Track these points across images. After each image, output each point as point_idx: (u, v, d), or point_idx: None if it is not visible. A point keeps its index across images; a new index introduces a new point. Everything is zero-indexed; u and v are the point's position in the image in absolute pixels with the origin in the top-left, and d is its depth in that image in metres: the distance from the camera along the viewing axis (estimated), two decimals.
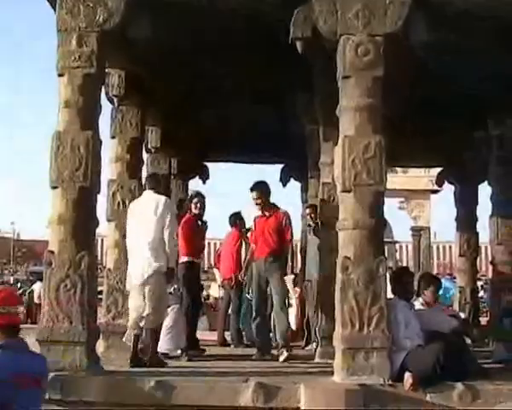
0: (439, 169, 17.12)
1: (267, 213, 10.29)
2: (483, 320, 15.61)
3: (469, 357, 8.26)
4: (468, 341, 9.81)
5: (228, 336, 12.39)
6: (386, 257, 7.76)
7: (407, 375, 7.29)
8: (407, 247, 33.01)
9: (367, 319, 7.35)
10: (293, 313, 12.79)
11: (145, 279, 8.84)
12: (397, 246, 34.86)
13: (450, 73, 10.04)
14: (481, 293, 19.96)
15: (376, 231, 7.61)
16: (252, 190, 10.29)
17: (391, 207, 30.37)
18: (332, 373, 7.51)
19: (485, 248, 22.61)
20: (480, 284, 21.03)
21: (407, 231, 31.03)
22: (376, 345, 7.34)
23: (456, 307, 15.15)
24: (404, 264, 29.87)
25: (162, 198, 9.16)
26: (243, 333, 12.35)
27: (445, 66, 9.76)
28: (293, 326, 12.58)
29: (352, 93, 7.78)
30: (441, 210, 19.62)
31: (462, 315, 13.54)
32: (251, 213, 10.82)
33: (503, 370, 9.02)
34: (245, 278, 11.96)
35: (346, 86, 7.86)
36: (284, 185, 15.84)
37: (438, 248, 33.79)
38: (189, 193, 13.29)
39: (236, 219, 12.53)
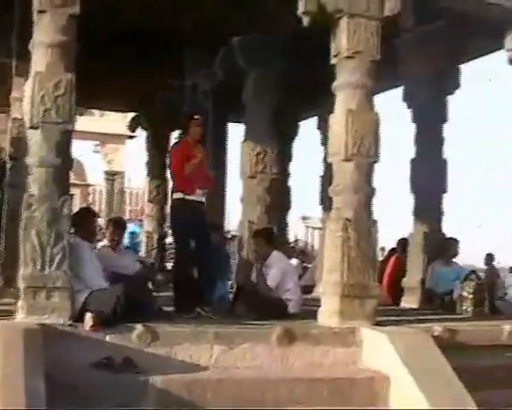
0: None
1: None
2: (169, 266, 16.04)
3: (150, 300, 8.47)
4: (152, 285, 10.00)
5: None
6: (72, 196, 7.72)
7: (87, 315, 7.29)
8: (101, 191, 32.87)
9: (49, 258, 7.27)
10: None
11: None
12: (90, 189, 34.74)
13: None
14: (170, 239, 20.35)
15: (63, 170, 7.55)
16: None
17: (86, 149, 30.20)
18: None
19: None
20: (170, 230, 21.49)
21: (102, 175, 30.99)
22: (58, 285, 7.28)
23: (143, 251, 15.46)
24: (97, 207, 29.75)
25: None
26: None
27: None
28: None
29: (46, 29, 7.57)
30: (138, 156, 19.85)
31: (151, 261, 13.87)
32: None
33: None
34: None
35: (40, 21, 7.63)
36: None
37: (131, 193, 34.04)
38: None
39: None
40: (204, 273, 9.06)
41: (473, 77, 9.90)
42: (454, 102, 11.84)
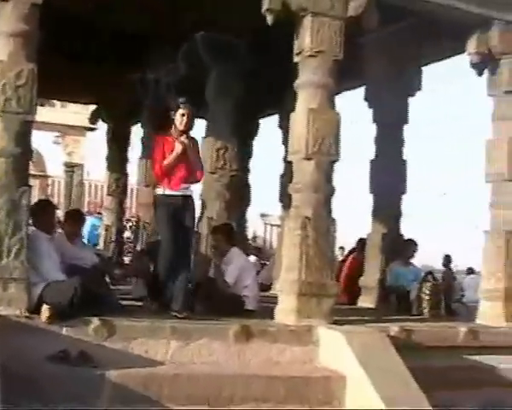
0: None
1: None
2: (127, 260, 16.00)
3: (107, 293, 8.43)
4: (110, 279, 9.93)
5: None
6: (31, 187, 7.64)
7: (44, 307, 7.23)
8: (60, 182, 32.58)
9: (6, 248, 7.23)
10: None
11: None
12: (50, 181, 34.42)
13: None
14: (128, 233, 20.31)
15: (22, 161, 7.47)
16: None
17: (46, 140, 29.91)
18: None
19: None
20: (129, 224, 21.49)
21: (61, 167, 30.74)
22: (15, 276, 7.24)
23: (101, 244, 15.39)
24: (56, 199, 29.50)
25: None
26: None
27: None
28: None
29: (8, 18, 7.51)
30: (98, 148, 19.68)
31: (109, 254, 13.83)
32: None
33: (140, 307, 9.30)
34: None
35: (3, 10, 7.54)
36: None
37: (90, 185, 33.79)
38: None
39: None
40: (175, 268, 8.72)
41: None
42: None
